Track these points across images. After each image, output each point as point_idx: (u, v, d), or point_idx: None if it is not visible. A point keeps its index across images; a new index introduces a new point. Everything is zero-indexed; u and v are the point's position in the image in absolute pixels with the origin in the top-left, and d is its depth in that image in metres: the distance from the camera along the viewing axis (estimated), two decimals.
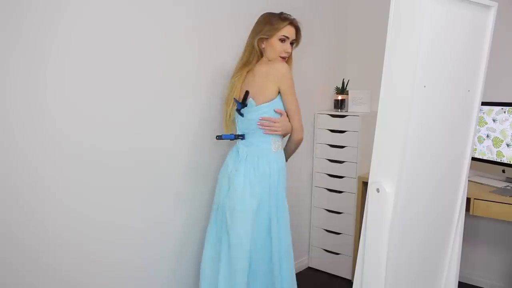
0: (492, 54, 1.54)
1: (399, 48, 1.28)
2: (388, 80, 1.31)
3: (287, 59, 2.11)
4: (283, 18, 2.04)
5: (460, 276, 1.77)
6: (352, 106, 3.02)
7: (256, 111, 2.01)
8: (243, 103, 2.02)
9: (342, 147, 2.91)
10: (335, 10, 3.15)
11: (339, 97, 3.06)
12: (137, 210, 2.02)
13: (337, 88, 3.09)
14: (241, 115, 2.04)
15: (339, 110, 3.06)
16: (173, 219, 2.18)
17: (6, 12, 1.53)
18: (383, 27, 1.36)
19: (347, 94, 3.05)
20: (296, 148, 2.16)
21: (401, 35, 1.28)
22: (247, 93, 2.01)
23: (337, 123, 2.92)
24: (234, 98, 2.06)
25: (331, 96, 3.14)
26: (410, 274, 1.52)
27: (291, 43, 2.08)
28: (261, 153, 2.02)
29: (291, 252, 2.10)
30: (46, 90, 1.66)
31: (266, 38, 2.04)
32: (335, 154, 2.94)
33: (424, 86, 1.32)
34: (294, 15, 2.07)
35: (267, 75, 1.99)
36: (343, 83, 3.09)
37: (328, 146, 2.97)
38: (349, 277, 2.93)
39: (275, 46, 2.03)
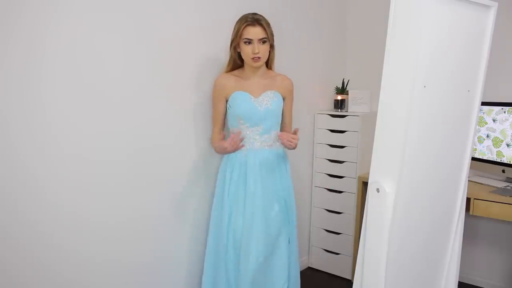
0: (492, 54, 1.54)
1: (399, 48, 1.28)
2: (388, 80, 1.31)
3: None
4: (242, 20, 1.97)
5: (460, 276, 1.77)
6: (352, 106, 3.02)
7: None
8: None
9: (342, 147, 2.91)
10: (335, 10, 3.15)
11: (339, 97, 3.06)
12: (134, 209, 2.01)
13: (337, 88, 3.09)
14: None
15: (339, 110, 3.06)
16: (172, 216, 2.18)
17: (1, 12, 1.52)
18: (383, 27, 1.36)
19: (347, 94, 3.05)
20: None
21: (401, 35, 1.28)
22: None
23: (337, 123, 2.92)
24: None
25: (331, 96, 3.14)
26: (410, 274, 1.52)
27: (264, 42, 1.97)
28: None
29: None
30: (41, 89, 1.65)
31: (237, 44, 2.01)
32: (335, 154, 2.94)
33: (424, 86, 1.32)
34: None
35: None
36: (343, 83, 3.09)
37: (328, 146, 2.97)
38: (349, 277, 2.93)
39: (243, 50, 1.99)
